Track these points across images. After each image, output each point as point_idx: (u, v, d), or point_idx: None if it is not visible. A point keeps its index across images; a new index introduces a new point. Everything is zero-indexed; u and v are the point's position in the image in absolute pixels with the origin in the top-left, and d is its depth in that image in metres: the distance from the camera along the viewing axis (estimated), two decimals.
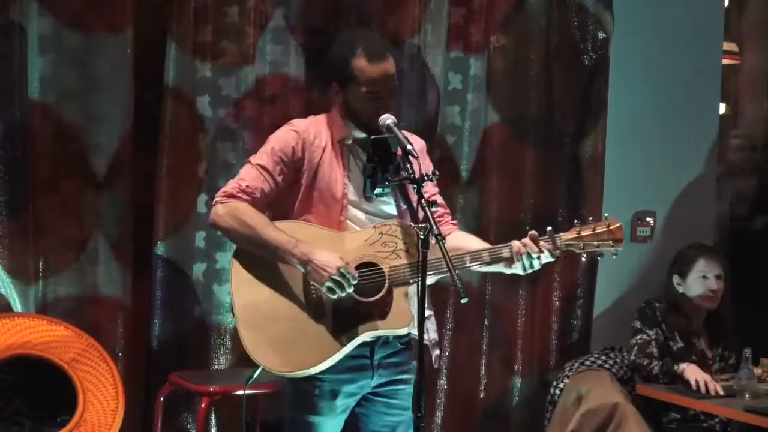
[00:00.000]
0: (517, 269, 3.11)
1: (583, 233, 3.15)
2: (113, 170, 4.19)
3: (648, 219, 5.25)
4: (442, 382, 4.82)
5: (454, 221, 3.35)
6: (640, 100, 5.17)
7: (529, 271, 3.12)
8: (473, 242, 3.23)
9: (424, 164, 3.09)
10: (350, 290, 3.00)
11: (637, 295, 5.12)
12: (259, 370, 3.11)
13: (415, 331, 3.00)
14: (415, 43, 4.63)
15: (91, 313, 4.18)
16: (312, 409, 3.11)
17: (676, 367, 4.41)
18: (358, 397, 3.18)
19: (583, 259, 3.23)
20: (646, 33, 5.18)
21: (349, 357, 3.08)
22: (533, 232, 3.10)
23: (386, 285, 3.06)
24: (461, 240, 3.24)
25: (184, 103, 4.28)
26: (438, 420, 4.82)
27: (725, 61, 5.66)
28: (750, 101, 7.17)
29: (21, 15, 4.03)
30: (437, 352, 3.31)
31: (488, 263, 3.12)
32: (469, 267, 3.13)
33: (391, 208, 3.20)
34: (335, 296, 3.00)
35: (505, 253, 3.10)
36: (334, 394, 3.10)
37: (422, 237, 2.82)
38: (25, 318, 3.97)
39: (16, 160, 4.05)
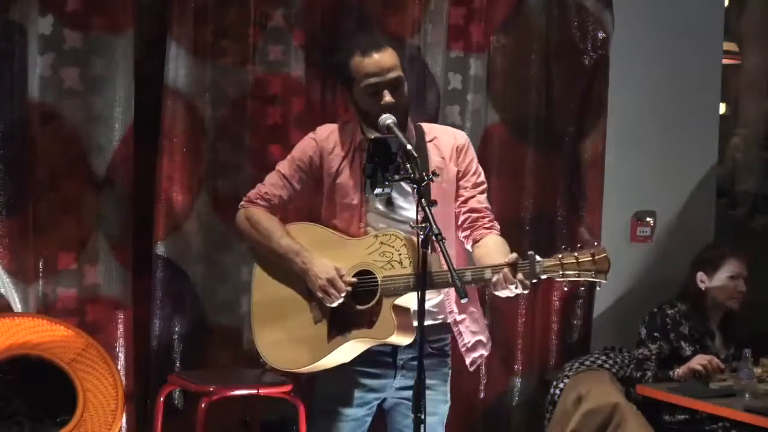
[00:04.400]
0: (501, 293, 3.06)
1: (565, 261, 2.99)
2: (113, 170, 4.18)
3: (648, 219, 5.26)
4: None
5: (489, 225, 3.26)
6: (640, 100, 5.17)
7: (511, 295, 3.06)
8: (494, 255, 3.13)
9: (465, 161, 3.22)
10: (340, 300, 3.08)
11: (637, 295, 5.13)
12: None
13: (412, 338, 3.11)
14: (415, 43, 4.63)
15: (91, 313, 4.18)
16: (339, 399, 3.21)
17: (671, 373, 4.43)
18: (382, 395, 3.25)
19: (565, 289, 3.22)
20: (646, 33, 5.18)
21: (375, 353, 3.16)
22: (514, 255, 3.01)
23: (378, 294, 3.09)
24: (482, 251, 3.18)
25: (184, 103, 4.27)
26: None
27: (725, 61, 5.67)
28: (750, 101, 7.18)
29: (21, 15, 4.03)
30: (474, 354, 3.29)
31: (470, 282, 3.08)
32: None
33: (411, 213, 3.16)
34: (328, 304, 3.11)
35: (487, 274, 3.03)
36: (360, 386, 3.20)
37: (422, 237, 2.82)
38: (25, 318, 3.96)
39: (16, 160, 4.05)
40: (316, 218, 3.33)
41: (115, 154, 4.18)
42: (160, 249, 4.26)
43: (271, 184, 3.32)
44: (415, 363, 3.10)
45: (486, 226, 3.25)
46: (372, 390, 3.22)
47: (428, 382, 3.13)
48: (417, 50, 4.63)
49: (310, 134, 3.34)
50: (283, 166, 3.32)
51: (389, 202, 3.19)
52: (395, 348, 3.17)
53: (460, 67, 4.79)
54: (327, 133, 3.29)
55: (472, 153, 3.31)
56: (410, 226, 3.08)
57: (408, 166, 2.93)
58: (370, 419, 3.29)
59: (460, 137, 3.32)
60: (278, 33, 4.42)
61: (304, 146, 3.31)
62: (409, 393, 3.14)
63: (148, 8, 4.28)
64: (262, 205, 3.30)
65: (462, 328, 3.26)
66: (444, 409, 3.29)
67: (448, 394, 3.32)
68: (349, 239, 3.19)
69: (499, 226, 3.30)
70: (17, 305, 4.06)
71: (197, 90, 4.30)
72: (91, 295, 4.18)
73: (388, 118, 3.05)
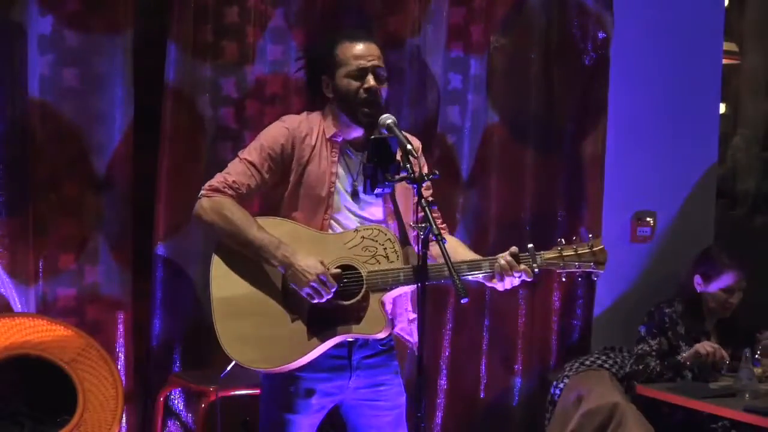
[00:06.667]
0: (496, 285, 3.09)
1: (565, 253, 3.09)
2: (113, 170, 4.19)
3: (648, 219, 5.26)
4: (442, 382, 4.82)
5: (444, 225, 3.32)
6: (640, 100, 5.18)
7: (508, 287, 3.09)
8: (460, 251, 3.21)
9: (421, 162, 3.09)
10: (329, 297, 3.01)
11: (637, 295, 5.13)
12: (232, 364, 3.12)
13: (385, 334, 3.08)
14: (415, 43, 4.63)
15: (91, 313, 4.19)
16: (287, 407, 3.12)
17: (679, 358, 4.43)
18: (336, 398, 3.17)
19: (563, 279, 3.19)
20: (646, 33, 5.18)
21: (327, 357, 3.09)
22: (514, 248, 3.07)
23: (363, 289, 3.06)
24: (448, 247, 3.15)
25: (184, 103, 4.28)
26: (438, 420, 4.82)
27: (725, 61, 5.66)
28: (750, 101, 7.18)
29: (21, 15, 4.03)
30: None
31: (466, 274, 3.09)
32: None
33: (378, 212, 3.19)
34: (314, 301, 3.02)
35: (485, 267, 3.07)
36: (310, 393, 3.11)
37: (422, 237, 2.82)
38: (25, 318, 3.97)
39: (16, 160, 4.05)
40: (274, 208, 3.18)
41: (115, 154, 4.19)
42: (160, 249, 4.26)
43: (238, 173, 3.13)
44: (367, 362, 3.15)
45: (441, 225, 3.27)
46: (328, 394, 3.14)
47: (382, 377, 3.18)
48: (417, 50, 4.64)
49: (279, 123, 3.20)
50: (249, 155, 3.14)
51: (355, 194, 3.16)
52: (350, 349, 3.13)
53: (460, 67, 4.80)
54: (297, 122, 3.19)
55: (422, 156, 3.30)
56: (410, 225, 3.10)
57: (408, 165, 2.92)
58: (322, 416, 3.22)
59: (416, 141, 3.28)
60: (278, 33, 4.42)
61: (275, 134, 3.16)
62: (367, 392, 3.17)
63: (148, 8, 4.29)
64: (229, 195, 3.12)
65: (414, 327, 3.21)
66: (402, 400, 3.26)
67: (402, 386, 3.29)
68: (326, 234, 3.12)
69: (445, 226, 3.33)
70: (17, 305, 4.06)
71: (197, 90, 4.30)
72: (91, 295, 4.19)
73: (388, 118, 3.04)
